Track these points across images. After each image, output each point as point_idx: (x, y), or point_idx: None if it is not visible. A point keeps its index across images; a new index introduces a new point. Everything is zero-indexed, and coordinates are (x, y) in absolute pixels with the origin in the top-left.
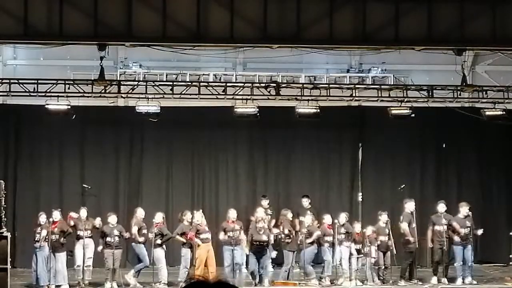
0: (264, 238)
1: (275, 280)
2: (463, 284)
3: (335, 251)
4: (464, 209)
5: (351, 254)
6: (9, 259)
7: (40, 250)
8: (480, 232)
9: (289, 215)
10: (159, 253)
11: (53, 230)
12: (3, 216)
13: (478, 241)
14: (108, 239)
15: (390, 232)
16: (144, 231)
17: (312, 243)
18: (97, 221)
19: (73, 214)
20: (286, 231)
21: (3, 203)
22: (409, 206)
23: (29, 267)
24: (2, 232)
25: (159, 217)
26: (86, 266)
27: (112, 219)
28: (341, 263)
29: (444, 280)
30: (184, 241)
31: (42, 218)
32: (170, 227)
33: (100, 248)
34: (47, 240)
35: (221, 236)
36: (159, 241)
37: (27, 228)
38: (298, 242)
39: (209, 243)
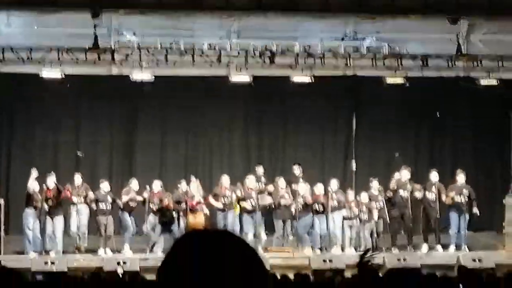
0: (252, 204)
1: (268, 247)
2: (456, 251)
3: (328, 219)
4: (460, 177)
5: (343, 221)
6: (2, 225)
7: (34, 215)
8: (475, 210)
9: (281, 182)
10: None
11: (47, 196)
12: None
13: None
14: (100, 205)
15: (383, 199)
16: (133, 204)
17: (307, 212)
18: (90, 194)
19: (68, 187)
20: (278, 199)
21: None
22: (404, 174)
23: (22, 233)
24: None
25: (157, 185)
26: (81, 232)
27: (105, 186)
28: (334, 231)
29: (438, 247)
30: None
31: (35, 182)
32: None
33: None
34: (41, 205)
35: (213, 202)
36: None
37: (20, 194)
38: (292, 211)
39: (199, 212)
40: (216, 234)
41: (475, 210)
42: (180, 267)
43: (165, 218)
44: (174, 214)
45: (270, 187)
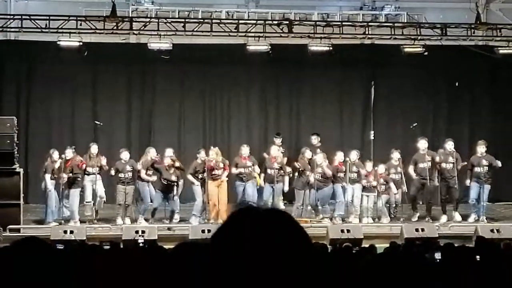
0: (275, 174)
1: None
2: (475, 222)
3: (347, 189)
4: (481, 148)
5: (362, 191)
6: (21, 195)
7: (52, 186)
8: (499, 163)
9: (308, 153)
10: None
11: (66, 167)
12: (16, 152)
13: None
14: (120, 175)
15: (402, 170)
16: (150, 172)
17: (326, 182)
18: (103, 161)
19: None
20: (302, 170)
21: (15, 139)
22: (421, 144)
23: (42, 202)
24: (15, 168)
25: (169, 153)
26: (99, 197)
27: (125, 155)
28: (353, 201)
29: (457, 216)
30: (195, 182)
31: (55, 154)
32: (182, 164)
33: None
34: (60, 176)
35: (233, 170)
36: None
37: (39, 164)
38: (311, 180)
39: (219, 180)
40: (267, 212)
41: (499, 162)
42: (233, 240)
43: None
44: (174, 177)
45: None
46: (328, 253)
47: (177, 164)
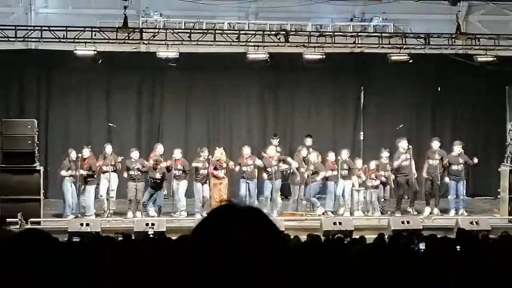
0: (273, 172)
1: (283, 211)
2: (456, 215)
3: (338, 185)
4: (457, 147)
5: (353, 187)
6: (42, 191)
7: (68, 182)
8: (475, 160)
9: (303, 152)
10: (182, 185)
11: (83, 165)
12: (36, 152)
13: (470, 176)
14: (131, 172)
15: (390, 168)
16: (162, 165)
17: (317, 178)
18: (118, 164)
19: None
20: (296, 166)
21: (36, 139)
22: (402, 144)
23: (60, 197)
24: (35, 166)
25: (178, 153)
26: (110, 197)
27: (135, 154)
28: (344, 195)
29: (436, 211)
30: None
31: (73, 154)
32: (188, 161)
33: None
34: (76, 174)
35: (237, 168)
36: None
37: (58, 162)
38: (305, 177)
39: (222, 179)
40: (246, 210)
41: (475, 160)
42: (211, 234)
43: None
44: (158, 175)
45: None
46: (322, 243)
47: (163, 164)
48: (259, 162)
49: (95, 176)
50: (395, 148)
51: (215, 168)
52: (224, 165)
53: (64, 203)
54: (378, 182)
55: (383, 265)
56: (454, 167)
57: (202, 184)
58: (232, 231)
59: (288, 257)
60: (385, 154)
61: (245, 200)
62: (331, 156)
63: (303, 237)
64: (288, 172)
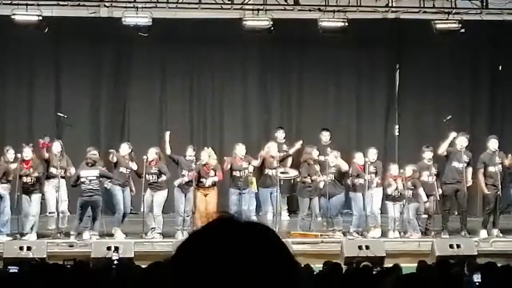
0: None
1: (291, 230)
2: None
3: (365, 196)
4: None
5: (385, 199)
6: None
7: (6, 193)
8: None
9: (315, 153)
10: (159, 198)
11: (23, 169)
12: None
13: None
14: (82, 179)
15: (436, 172)
16: (123, 169)
17: (339, 188)
18: (71, 170)
19: (46, 140)
20: (306, 174)
21: None
22: (460, 141)
23: None
24: None
25: (152, 153)
26: (60, 212)
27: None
28: (373, 211)
29: (496, 231)
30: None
31: (10, 154)
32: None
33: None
34: (14, 180)
35: (226, 167)
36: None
37: None
38: (321, 187)
39: (209, 190)
40: (249, 227)
41: None
42: (202, 258)
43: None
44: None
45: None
46: (343, 274)
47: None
48: (255, 163)
49: (38, 183)
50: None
51: (200, 176)
52: (212, 173)
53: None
54: (416, 192)
55: None
56: None
57: (185, 194)
58: (231, 254)
59: None
60: (428, 154)
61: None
62: (358, 157)
63: (318, 266)
64: (297, 180)
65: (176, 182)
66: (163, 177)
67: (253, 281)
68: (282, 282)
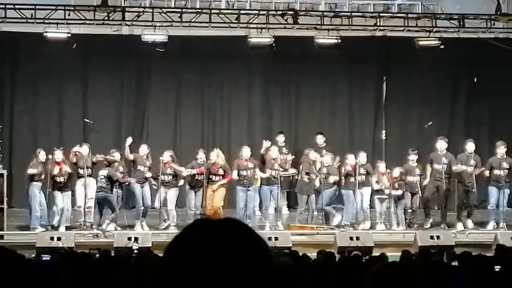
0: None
1: (291, 223)
2: (496, 229)
3: (356, 194)
4: (501, 149)
5: (374, 195)
6: (5, 199)
7: (37, 188)
8: None
9: (312, 155)
10: (172, 194)
11: (54, 170)
12: None
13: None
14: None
15: (419, 173)
16: (141, 167)
17: (331, 184)
18: (98, 156)
19: (76, 149)
20: (305, 173)
21: None
22: (440, 145)
23: (27, 207)
24: None
25: (167, 155)
26: (87, 207)
27: (116, 156)
28: (363, 206)
29: (471, 224)
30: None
31: (42, 155)
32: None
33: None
34: (46, 178)
35: (234, 175)
36: (181, 182)
37: (24, 165)
38: (317, 184)
39: (216, 185)
40: (224, 225)
41: None
42: (184, 254)
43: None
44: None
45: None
46: (336, 262)
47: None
48: (258, 173)
49: (68, 181)
50: (424, 149)
51: (210, 173)
52: (221, 171)
53: (31, 213)
54: (401, 192)
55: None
56: (496, 172)
57: (196, 192)
58: (208, 248)
59: (275, 277)
60: (413, 157)
61: (243, 214)
62: (350, 158)
63: (314, 255)
64: (296, 178)
65: (184, 173)
66: (181, 182)
67: (229, 269)
68: (256, 268)
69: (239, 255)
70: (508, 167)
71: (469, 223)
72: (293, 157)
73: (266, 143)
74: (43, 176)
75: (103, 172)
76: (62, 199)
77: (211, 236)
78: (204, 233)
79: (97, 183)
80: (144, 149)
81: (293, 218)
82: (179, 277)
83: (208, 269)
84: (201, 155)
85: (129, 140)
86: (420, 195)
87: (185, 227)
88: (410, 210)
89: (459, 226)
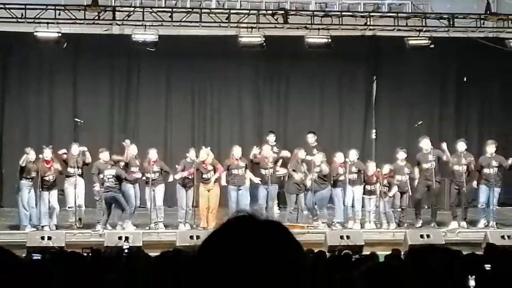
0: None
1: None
2: (486, 227)
3: (347, 192)
4: (490, 148)
5: (364, 194)
6: None
7: (28, 188)
8: (509, 162)
9: (301, 153)
10: (158, 191)
11: (44, 169)
12: None
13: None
14: (101, 176)
15: (408, 171)
16: (134, 168)
17: (324, 184)
18: (87, 157)
19: (63, 151)
20: (292, 170)
21: None
22: (424, 144)
23: (17, 206)
24: None
25: (153, 153)
26: (77, 206)
27: (104, 155)
28: (354, 205)
29: (463, 223)
30: (186, 174)
31: (31, 154)
32: (169, 165)
33: (96, 187)
34: (35, 178)
35: (223, 176)
36: (170, 178)
37: (15, 165)
38: (308, 184)
39: (210, 184)
40: (266, 224)
41: (510, 161)
42: (225, 250)
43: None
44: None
45: (285, 152)
46: (326, 260)
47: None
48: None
49: (56, 180)
50: (414, 148)
51: (201, 172)
52: (210, 167)
53: (20, 213)
54: (391, 188)
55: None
56: (486, 171)
57: (187, 190)
58: (250, 248)
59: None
60: (401, 155)
61: (238, 209)
62: (339, 156)
63: None
64: (286, 178)
65: (177, 176)
66: (171, 178)
67: (269, 269)
68: (295, 270)
69: (281, 255)
70: (497, 165)
71: (463, 223)
72: (290, 154)
73: (255, 149)
74: (33, 174)
75: (111, 172)
76: (49, 199)
77: (254, 234)
78: (247, 231)
79: (103, 183)
80: (134, 150)
81: (283, 216)
82: (214, 273)
83: (249, 268)
84: (191, 154)
85: (131, 146)
86: (410, 193)
87: (224, 223)
88: (400, 209)
89: (453, 224)
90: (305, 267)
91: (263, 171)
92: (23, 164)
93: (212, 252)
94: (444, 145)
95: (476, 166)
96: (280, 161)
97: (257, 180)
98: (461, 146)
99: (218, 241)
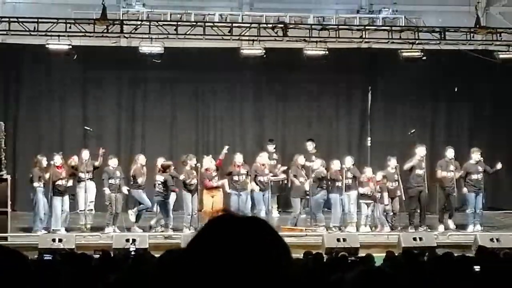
0: (265, 181)
1: (281, 225)
2: (474, 231)
3: (343, 197)
4: (476, 155)
5: (359, 199)
6: (9, 202)
7: (41, 193)
8: (499, 166)
9: (300, 159)
10: (171, 198)
11: (56, 174)
12: (3, 158)
13: (490, 187)
14: (110, 181)
15: (399, 178)
16: (141, 178)
17: (321, 189)
18: (100, 161)
19: (74, 158)
20: (293, 176)
21: (3, 145)
22: (420, 151)
23: (30, 210)
24: (2, 175)
25: (160, 162)
26: (88, 210)
27: (113, 162)
28: (350, 209)
29: (452, 225)
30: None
31: (44, 161)
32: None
33: (106, 191)
34: (48, 183)
35: (227, 180)
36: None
37: (27, 170)
38: (306, 188)
39: (214, 190)
40: (247, 221)
41: (499, 165)
42: (209, 248)
43: None
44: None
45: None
46: (324, 262)
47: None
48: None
49: (68, 185)
50: (408, 155)
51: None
52: (214, 173)
53: (35, 216)
54: (382, 194)
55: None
56: (474, 177)
57: (192, 195)
58: (233, 244)
59: (294, 275)
60: (393, 162)
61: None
62: (336, 164)
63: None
64: (285, 183)
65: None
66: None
67: (252, 264)
68: (277, 265)
69: (263, 252)
70: (482, 171)
71: (451, 224)
72: (286, 167)
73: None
74: (47, 178)
75: (160, 178)
76: (61, 204)
77: (237, 230)
78: (229, 228)
79: (154, 187)
80: (143, 160)
81: (282, 220)
82: (201, 270)
83: (231, 265)
84: (193, 162)
85: (140, 156)
86: (404, 198)
87: (208, 221)
88: (392, 213)
89: (440, 228)
90: (287, 261)
91: (260, 178)
92: (35, 171)
93: (195, 250)
94: (499, 165)
95: (462, 173)
96: (279, 167)
97: (257, 189)
98: (450, 153)
99: (201, 240)
